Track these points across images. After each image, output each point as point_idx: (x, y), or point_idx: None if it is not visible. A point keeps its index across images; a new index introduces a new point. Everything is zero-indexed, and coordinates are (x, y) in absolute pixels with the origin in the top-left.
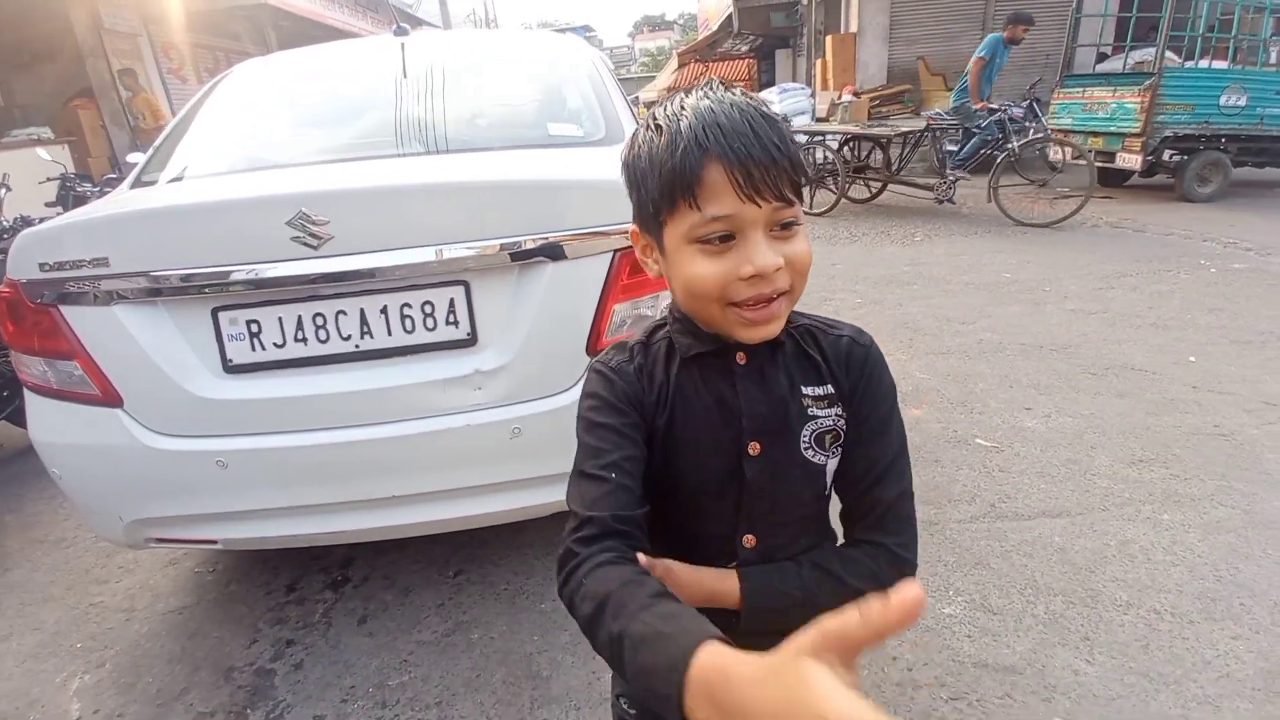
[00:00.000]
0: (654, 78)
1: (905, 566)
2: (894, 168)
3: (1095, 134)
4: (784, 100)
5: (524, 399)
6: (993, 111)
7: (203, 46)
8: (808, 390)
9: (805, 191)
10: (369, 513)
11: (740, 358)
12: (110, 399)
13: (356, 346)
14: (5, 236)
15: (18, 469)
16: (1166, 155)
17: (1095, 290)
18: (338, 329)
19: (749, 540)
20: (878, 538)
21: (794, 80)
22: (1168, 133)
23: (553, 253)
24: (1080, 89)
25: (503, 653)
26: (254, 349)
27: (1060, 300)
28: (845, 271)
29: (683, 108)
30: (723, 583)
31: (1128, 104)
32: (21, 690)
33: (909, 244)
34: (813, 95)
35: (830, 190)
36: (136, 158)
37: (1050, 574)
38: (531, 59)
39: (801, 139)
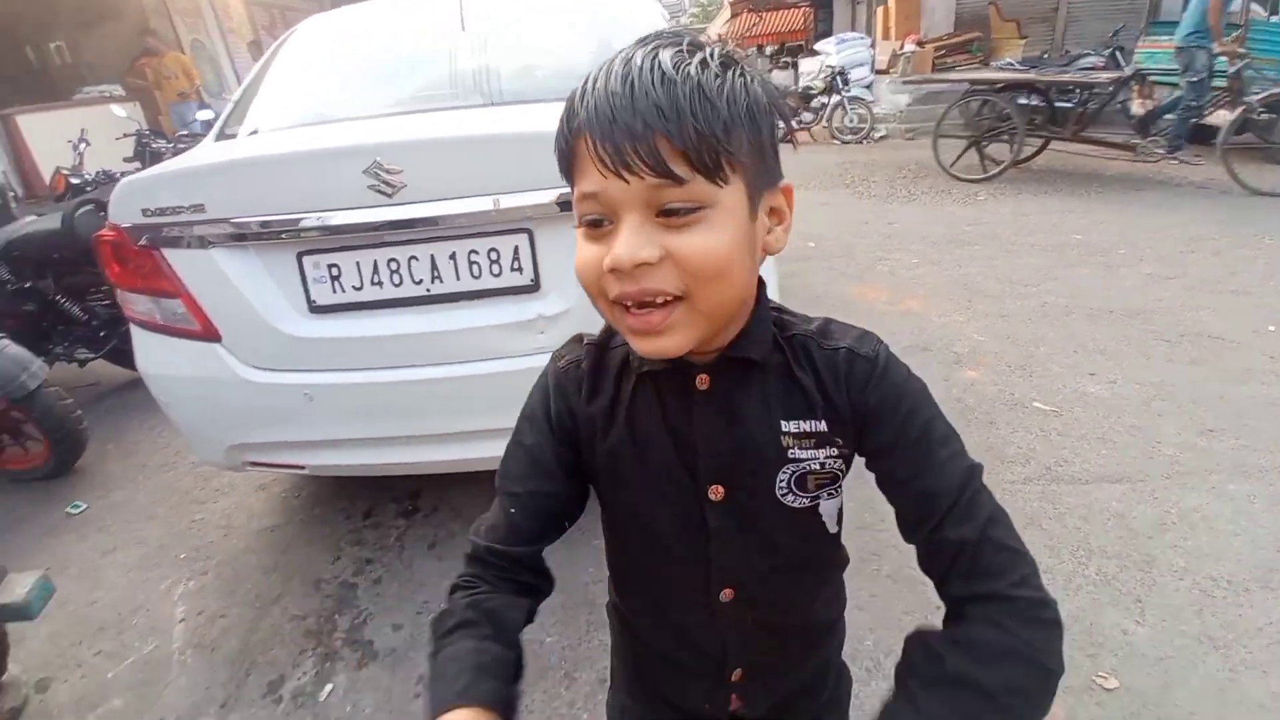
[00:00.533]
0: (705, 28)
1: (1042, 610)
2: (1080, 122)
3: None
4: (841, 51)
5: None
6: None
7: (258, 5)
8: (789, 426)
9: (966, 152)
10: (439, 446)
11: (701, 381)
12: (210, 334)
13: (428, 290)
14: (89, 188)
15: (114, 402)
16: (1257, 112)
17: (1173, 254)
18: (410, 273)
19: (726, 594)
20: (985, 588)
21: (853, 30)
22: (1256, 88)
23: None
24: (1168, 37)
25: (561, 581)
26: (334, 291)
27: (1134, 263)
28: (902, 230)
29: (583, 83)
30: None
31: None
32: (126, 597)
33: (971, 203)
34: (872, 45)
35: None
36: (206, 115)
37: (1105, 538)
38: (591, 10)
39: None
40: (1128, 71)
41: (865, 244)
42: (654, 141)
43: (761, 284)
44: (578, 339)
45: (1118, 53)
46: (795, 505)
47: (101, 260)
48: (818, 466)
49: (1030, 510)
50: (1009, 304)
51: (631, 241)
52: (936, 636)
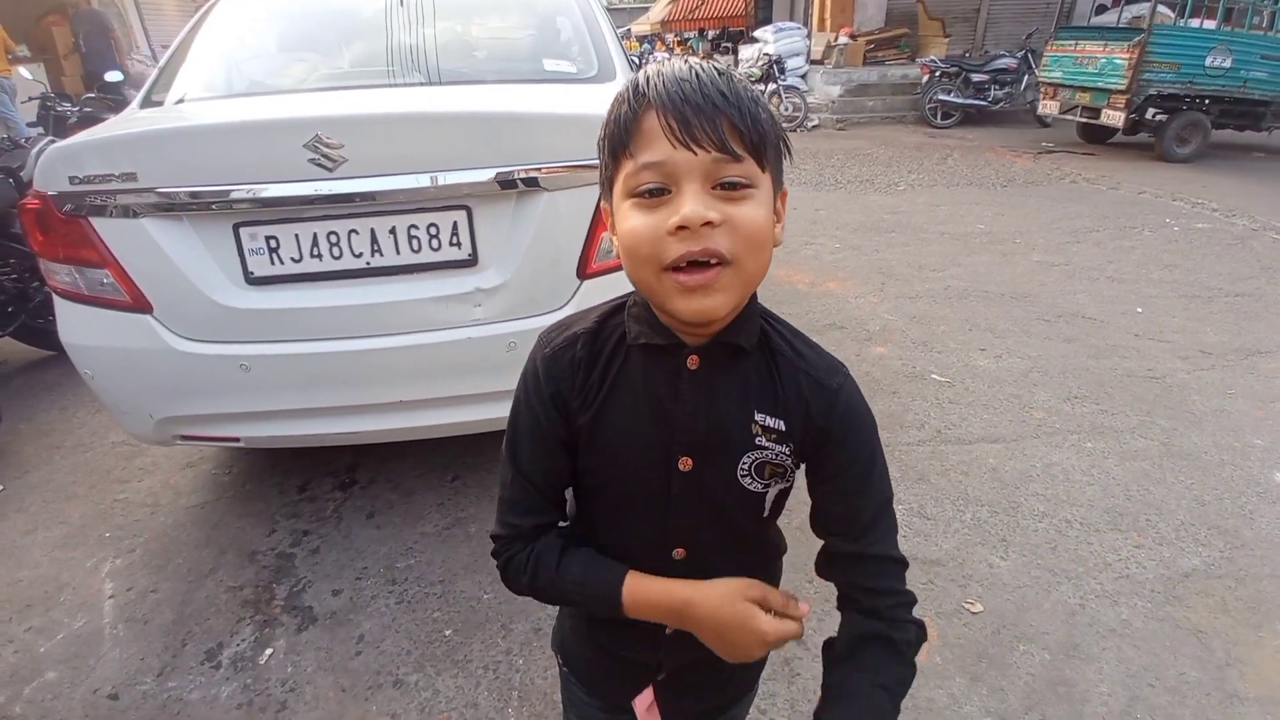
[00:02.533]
0: (647, 9)
1: (911, 631)
2: None
3: (1083, 89)
4: (779, 40)
5: (520, 316)
6: None
7: None
8: (760, 418)
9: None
10: (377, 416)
11: (692, 361)
12: (140, 305)
13: (367, 264)
14: None
15: (23, 382)
16: (1150, 114)
17: (1061, 244)
18: (350, 247)
19: (679, 553)
20: (875, 602)
21: (791, 19)
22: (1152, 91)
23: (542, 183)
24: (1073, 42)
25: None
26: (273, 263)
27: (1027, 252)
28: (827, 217)
29: (645, 73)
30: None
31: (1117, 60)
32: (51, 576)
33: (892, 193)
34: (809, 36)
35: None
36: (114, 76)
37: (980, 489)
38: None
39: None
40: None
41: (793, 229)
42: (720, 121)
43: None
44: (563, 325)
45: (1029, 54)
46: (750, 488)
47: (24, 229)
48: (773, 459)
49: (921, 468)
50: (917, 286)
51: (696, 204)
52: (849, 657)
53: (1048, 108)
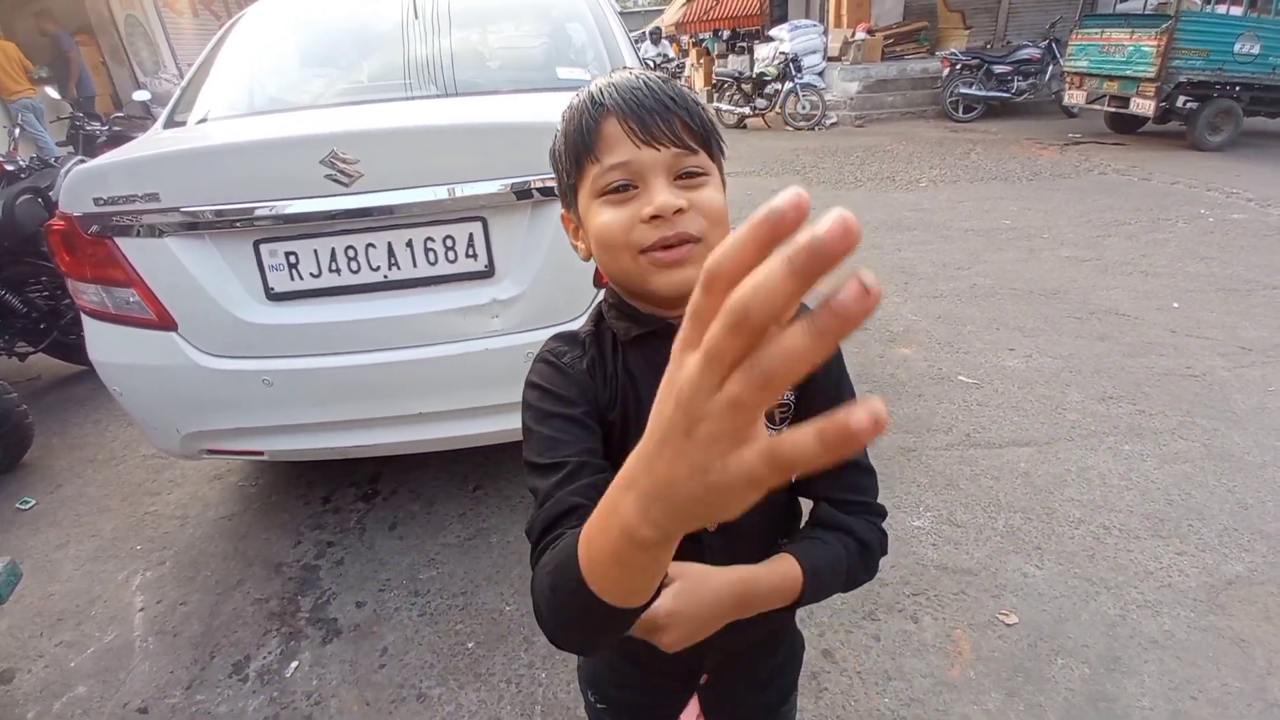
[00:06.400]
0: (661, 11)
1: (878, 518)
2: None
3: (1110, 78)
4: (795, 38)
5: (537, 326)
6: None
7: None
8: None
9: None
10: (398, 428)
11: None
12: (165, 323)
13: (385, 277)
14: (24, 175)
15: (56, 396)
16: (1180, 102)
17: (1092, 238)
18: (368, 260)
19: (712, 527)
20: (847, 496)
21: (807, 16)
22: (1182, 78)
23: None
24: (1099, 30)
25: (519, 554)
26: (293, 278)
27: (1056, 247)
28: None
29: (597, 85)
30: (776, 569)
31: (1144, 47)
32: (83, 589)
33: (913, 189)
34: (825, 33)
35: None
36: (142, 95)
37: (1013, 494)
38: (541, 2)
39: None
40: None
41: None
42: (674, 120)
43: None
44: (562, 338)
45: (1054, 44)
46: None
47: (52, 250)
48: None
49: (949, 473)
50: (942, 285)
51: (666, 193)
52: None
53: (1074, 98)
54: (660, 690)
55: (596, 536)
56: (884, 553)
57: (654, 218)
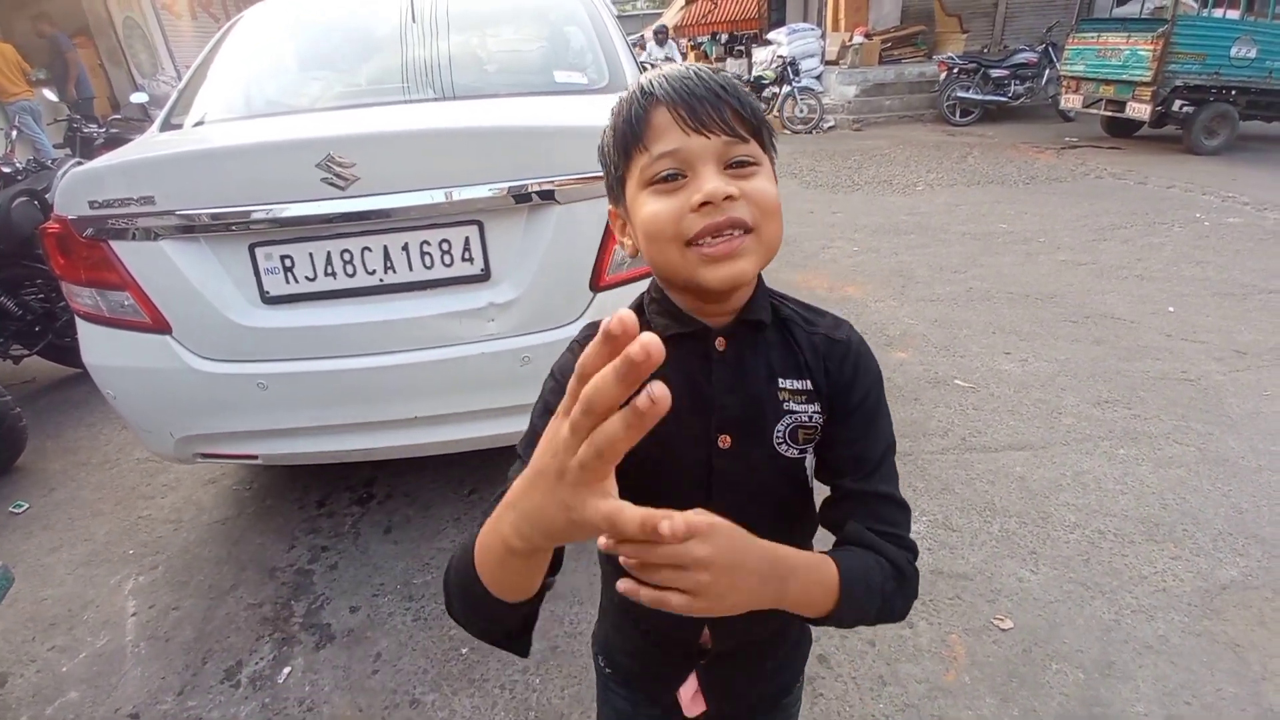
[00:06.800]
0: (660, 14)
1: (912, 547)
2: None
3: (1107, 82)
4: (793, 41)
5: (533, 330)
6: None
7: None
8: (785, 383)
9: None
10: (393, 432)
11: (720, 343)
12: (160, 326)
13: (381, 280)
14: (20, 177)
15: (50, 400)
16: (1176, 106)
17: (1088, 242)
18: (363, 264)
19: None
20: (880, 527)
21: (805, 20)
22: (1178, 82)
23: (556, 196)
24: (1095, 34)
25: None
26: (288, 282)
27: (1052, 251)
28: (845, 220)
29: (647, 76)
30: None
31: (1141, 51)
32: (75, 594)
33: (910, 193)
34: (823, 36)
35: None
36: (140, 98)
37: (1008, 499)
38: (538, 6)
39: None
40: None
41: (810, 233)
42: (725, 108)
43: None
44: (595, 327)
45: (1050, 48)
46: (789, 455)
47: (46, 253)
48: (807, 420)
49: (945, 477)
50: (938, 289)
51: (716, 180)
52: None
53: (1071, 102)
54: (662, 662)
55: (485, 540)
56: (915, 591)
57: (704, 205)
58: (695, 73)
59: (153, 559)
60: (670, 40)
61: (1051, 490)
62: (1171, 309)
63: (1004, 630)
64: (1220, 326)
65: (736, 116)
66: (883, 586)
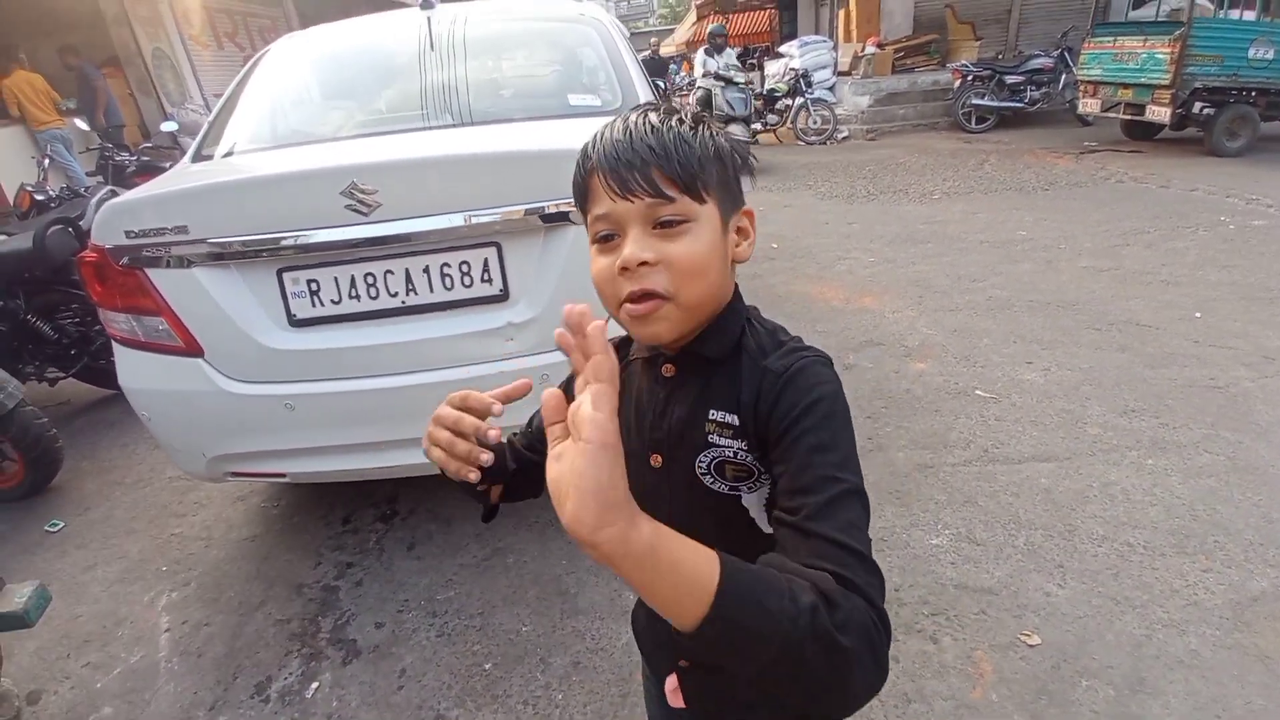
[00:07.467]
0: (673, 30)
1: (857, 592)
2: None
3: (1125, 85)
4: (805, 53)
5: (551, 349)
6: None
7: (220, 11)
8: (714, 415)
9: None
10: (416, 450)
11: (667, 369)
12: (193, 350)
13: (403, 302)
14: (54, 204)
15: (86, 420)
16: (1196, 108)
17: (1110, 247)
18: (386, 287)
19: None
20: (818, 564)
21: (817, 32)
22: (1197, 84)
23: (571, 217)
24: (1111, 38)
25: (535, 574)
26: (314, 305)
27: (1073, 258)
28: (861, 230)
29: (592, 138)
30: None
31: (1158, 54)
32: (109, 611)
33: (926, 202)
34: (835, 48)
35: None
36: (170, 126)
37: (1033, 511)
38: (552, 31)
39: None
40: None
41: (825, 244)
42: (650, 171)
43: (737, 293)
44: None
45: (1066, 53)
46: (716, 489)
47: (84, 280)
48: (732, 456)
49: (968, 490)
50: (957, 299)
51: (635, 246)
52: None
53: (1088, 106)
54: (650, 651)
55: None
56: (876, 658)
57: (623, 269)
58: (629, 132)
59: (185, 575)
60: (729, 47)
61: (1078, 502)
62: (1198, 314)
63: (1031, 646)
64: (1248, 332)
65: (663, 176)
66: (791, 608)
